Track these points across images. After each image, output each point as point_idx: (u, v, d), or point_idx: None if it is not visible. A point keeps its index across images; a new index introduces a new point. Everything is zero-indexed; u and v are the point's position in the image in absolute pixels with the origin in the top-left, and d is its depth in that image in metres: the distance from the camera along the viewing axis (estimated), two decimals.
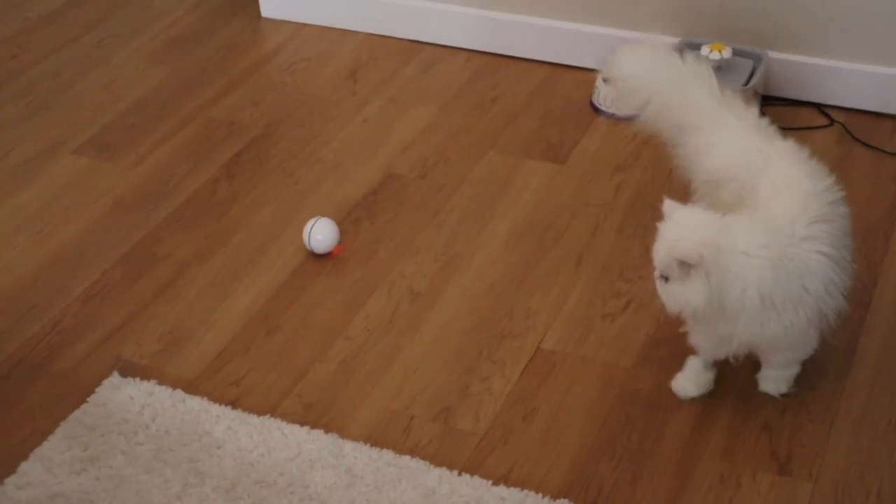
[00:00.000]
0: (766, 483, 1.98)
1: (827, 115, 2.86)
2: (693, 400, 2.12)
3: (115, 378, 2.21)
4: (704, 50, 2.83)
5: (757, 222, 1.94)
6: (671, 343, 2.18)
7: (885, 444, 2.04)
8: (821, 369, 2.17)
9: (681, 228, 1.92)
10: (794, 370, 2.13)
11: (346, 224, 2.60)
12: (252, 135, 2.92)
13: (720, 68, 2.81)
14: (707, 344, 2.07)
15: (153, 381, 2.21)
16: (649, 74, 2.23)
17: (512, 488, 1.98)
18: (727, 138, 2.12)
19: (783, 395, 2.12)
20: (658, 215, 1.95)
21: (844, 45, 2.84)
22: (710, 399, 2.12)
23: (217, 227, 2.62)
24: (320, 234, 2.49)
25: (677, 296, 1.91)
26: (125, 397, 2.17)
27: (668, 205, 1.95)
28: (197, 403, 2.16)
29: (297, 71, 3.17)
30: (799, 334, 1.99)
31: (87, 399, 2.17)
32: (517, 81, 3.06)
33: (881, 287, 2.35)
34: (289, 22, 3.38)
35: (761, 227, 1.93)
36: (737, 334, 1.97)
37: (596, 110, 2.94)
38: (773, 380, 2.12)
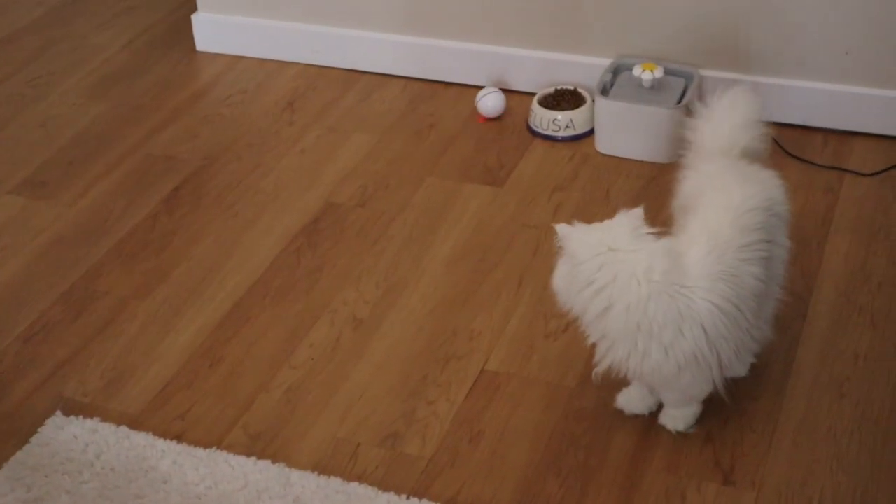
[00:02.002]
0: (710, 494, 2.01)
1: None
2: (636, 416, 2.15)
3: (58, 417, 2.19)
4: (637, 70, 2.87)
5: (671, 257, 1.92)
6: None
7: (825, 451, 2.07)
8: (761, 380, 2.21)
9: (603, 224, 1.96)
10: (691, 409, 2.10)
11: (286, 254, 2.60)
12: (190, 168, 2.92)
13: (653, 88, 2.86)
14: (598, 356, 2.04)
15: (97, 419, 2.19)
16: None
17: None
18: (704, 168, 2.12)
19: (679, 433, 2.10)
20: None
21: (773, 62, 2.89)
22: (653, 414, 2.14)
23: (158, 261, 2.61)
24: (490, 101, 2.97)
25: (555, 270, 2.00)
26: (69, 436, 2.15)
27: (630, 211, 1.96)
28: (142, 439, 2.14)
29: (234, 103, 3.17)
30: (667, 377, 1.97)
31: (30, 440, 2.15)
32: (454, 107, 3.09)
33: (816, 297, 2.39)
34: (224, 55, 3.39)
35: (668, 260, 1.92)
36: (610, 354, 1.97)
37: (533, 133, 2.97)
38: (671, 416, 2.11)
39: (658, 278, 1.90)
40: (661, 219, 2.51)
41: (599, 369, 2.01)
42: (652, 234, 1.95)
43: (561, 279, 1.98)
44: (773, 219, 2.05)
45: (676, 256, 1.94)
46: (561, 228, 1.95)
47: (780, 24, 2.84)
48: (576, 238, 1.94)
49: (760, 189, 2.06)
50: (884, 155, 2.82)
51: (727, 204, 2.01)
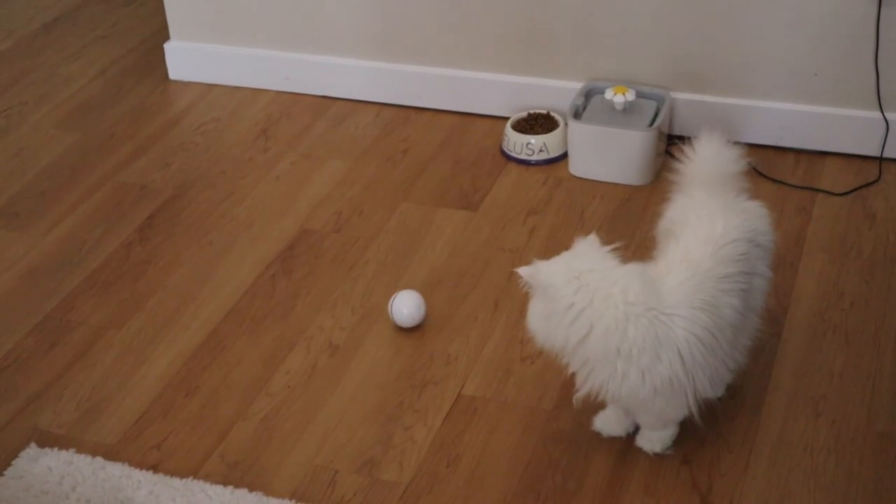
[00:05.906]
0: None
1: None
2: (613, 438, 2.15)
3: (32, 449, 2.17)
4: (609, 93, 2.88)
5: (644, 280, 1.93)
6: None
7: (801, 469, 2.08)
8: (737, 399, 2.21)
9: (566, 254, 1.97)
10: (668, 431, 2.10)
11: (262, 280, 2.60)
12: (164, 197, 2.91)
13: (625, 110, 2.87)
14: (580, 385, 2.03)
15: (72, 450, 2.17)
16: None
17: None
18: (690, 194, 2.11)
19: (656, 455, 2.11)
20: None
21: (744, 84, 2.92)
22: (630, 436, 2.15)
23: (132, 291, 2.60)
24: (405, 307, 2.41)
25: (529, 311, 1.99)
26: (43, 468, 2.13)
27: (586, 237, 1.97)
28: (118, 470, 2.13)
29: (208, 131, 3.17)
30: (643, 400, 1.97)
31: (4, 472, 2.13)
32: (427, 132, 3.10)
33: (791, 316, 2.41)
34: (197, 83, 3.39)
35: (646, 286, 1.92)
36: (590, 379, 1.97)
37: (506, 157, 2.98)
38: (647, 438, 2.11)
39: (633, 299, 1.90)
40: (635, 241, 2.52)
41: (580, 394, 2.01)
42: (616, 254, 1.96)
43: (536, 317, 1.97)
44: (755, 250, 2.05)
45: (648, 279, 1.94)
46: (524, 270, 1.94)
47: (750, 46, 2.86)
48: (545, 271, 1.94)
49: (743, 220, 2.05)
50: (854, 174, 2.84)
51: (709, 234, 2.01)
